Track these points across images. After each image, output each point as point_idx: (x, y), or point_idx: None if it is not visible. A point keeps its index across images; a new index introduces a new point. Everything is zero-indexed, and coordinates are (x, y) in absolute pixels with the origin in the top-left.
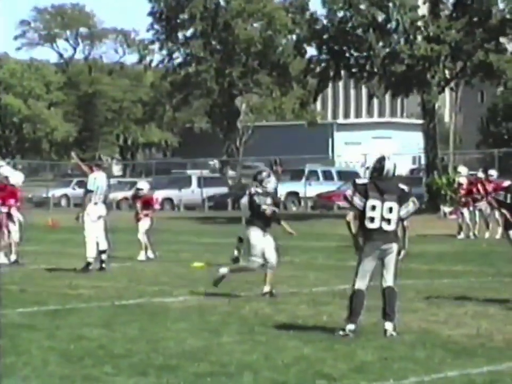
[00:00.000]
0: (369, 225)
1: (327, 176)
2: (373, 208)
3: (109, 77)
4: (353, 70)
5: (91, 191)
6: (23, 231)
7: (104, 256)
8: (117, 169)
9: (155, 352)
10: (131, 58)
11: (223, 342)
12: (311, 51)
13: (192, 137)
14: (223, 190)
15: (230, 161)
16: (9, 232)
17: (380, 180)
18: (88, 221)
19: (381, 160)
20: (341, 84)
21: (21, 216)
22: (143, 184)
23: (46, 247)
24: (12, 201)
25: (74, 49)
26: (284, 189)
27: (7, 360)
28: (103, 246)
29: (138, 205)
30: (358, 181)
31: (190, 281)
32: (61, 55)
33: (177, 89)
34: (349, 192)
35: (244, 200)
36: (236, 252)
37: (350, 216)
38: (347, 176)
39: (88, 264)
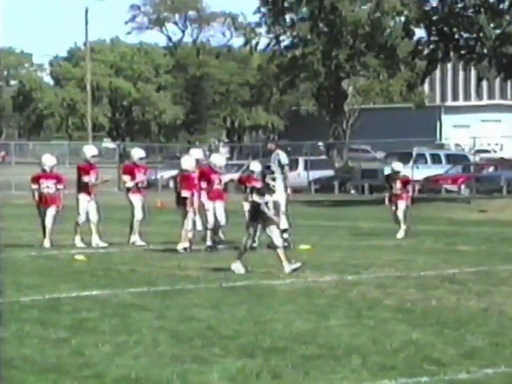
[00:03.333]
0: None
1: (435, 159)
2: None
3: (217, 60)
4: (463, 52)
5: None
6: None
7: (285, 235)
8: (223, 152)
9: (263, 334)
10: (238, 41)
11: (330, 325)
12: (419, 33)
13: (299, 120)
14: (329, 173)
15: (337, 144)
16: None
17: None
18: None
19: None
20: (449, 65)
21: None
22: (256, 165)
23: (154, 228)
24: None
25: (183, 32)
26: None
27: (119, 339)
28: (283, 225)
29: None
30: None
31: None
32: (169, 39)
33: (283, 72)
34: None
35: None
36: None
37: None
38: (455, 159)
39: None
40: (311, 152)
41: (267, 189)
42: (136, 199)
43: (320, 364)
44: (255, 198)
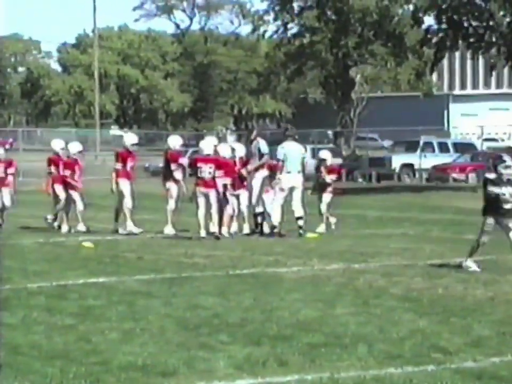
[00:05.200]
0: None
1: (443, 148)
2: None
3: (224, 47)
4: (471, 40)
5: (279, 160)
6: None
7: (300, 222)
8: (231, 140)
9: (269, 322)
10: (246, 29)
11: (337, 314)
12: (428, 21)
13: (306, 108)
14: (337, 161)
15: (344, 132)
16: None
17: None
18: (276, 189)
19: None
20: (457, 54)
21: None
22: (326, 154)
23: (162, 216)
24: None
25: (191, 20)
26: (398, 161)
27: (126, 326)
28: (299, 212)
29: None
30: None
31: (304, 251)
32: (177, 26)
33: (291, 59)
34: None
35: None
36: None
37: None
38: (463, 148)
39: (273, 227)
40: (318, 140)
41: (500, 180)
42: (126, 186)
43: (327, 351)
44: (491, 189)
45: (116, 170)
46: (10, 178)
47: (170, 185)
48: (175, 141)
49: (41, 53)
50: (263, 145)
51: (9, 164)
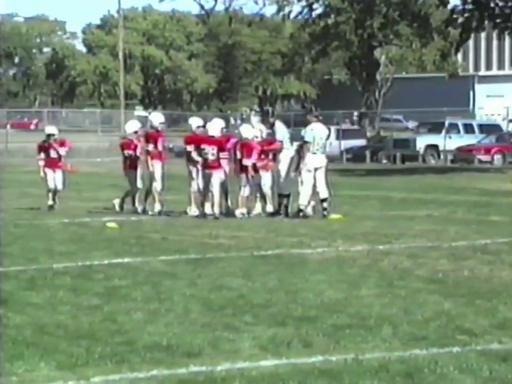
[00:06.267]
0: None
1: (468, 129)
2: None
3: (249, 28)
4: (498, 21)
5: (307, 142)
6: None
7: (325, 204)
8: (255, 121)
9: (294, 303)
10: (271, 10)
11: (362, 295)
12: (453, 1)
13: (331, 89)
14: (362, 142)
15: (369, 113)
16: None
17: None
18: (304, 170)
19: None
20: (482, 34)
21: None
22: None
23: (186, 197)
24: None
25: (215, 0)
26: (422, 142)
27: (151, 307)
28: (324, 194)
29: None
30: None
31: (328, 233)
32: (202, 7)
33: (316, 40)
34: None
35: None
36: None
37: None
38: (489, 129)
39: (300, 210)
40: (343, 121)
41: None
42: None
43: (351, 333)
44: None
45: (147, 152)
46: (63, 153)
47: (191, 166)
48: (194, 122)
49: (66, 33)
50: (279, 132)
51: (62, 143)
